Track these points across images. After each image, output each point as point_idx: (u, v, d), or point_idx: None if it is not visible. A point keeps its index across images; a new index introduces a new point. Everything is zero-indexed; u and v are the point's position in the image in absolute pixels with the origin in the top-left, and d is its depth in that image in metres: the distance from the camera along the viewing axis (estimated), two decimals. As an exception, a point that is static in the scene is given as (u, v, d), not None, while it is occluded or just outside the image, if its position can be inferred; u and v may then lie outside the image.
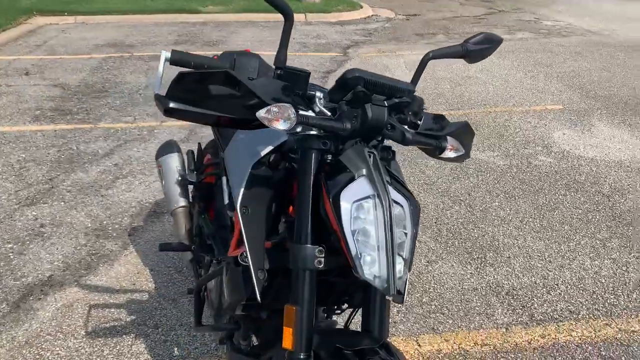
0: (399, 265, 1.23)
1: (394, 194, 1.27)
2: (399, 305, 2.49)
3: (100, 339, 2.32)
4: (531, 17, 10.84)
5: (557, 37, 8.81)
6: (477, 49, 1.61)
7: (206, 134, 4.49)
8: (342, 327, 1.67)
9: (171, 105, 1.17)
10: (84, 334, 2.35)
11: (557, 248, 3.03)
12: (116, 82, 5.88)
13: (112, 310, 2.50)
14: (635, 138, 4.63)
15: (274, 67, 1.38)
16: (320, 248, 1.29)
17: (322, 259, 1.28)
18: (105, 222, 3.19)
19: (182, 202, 2.38)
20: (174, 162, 2.46)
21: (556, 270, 2.84)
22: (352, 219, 1.21)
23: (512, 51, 7.54)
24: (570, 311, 2.54)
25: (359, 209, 1.22)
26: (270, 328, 1.65)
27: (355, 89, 1.27)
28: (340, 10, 10.40)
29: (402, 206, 1.29)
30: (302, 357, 1.28)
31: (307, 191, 1.30)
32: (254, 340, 1.74)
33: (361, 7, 10.79)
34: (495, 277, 2.77)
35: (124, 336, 2.34)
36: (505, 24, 10.02)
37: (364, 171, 1.26)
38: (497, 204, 3.52)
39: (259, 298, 1.34)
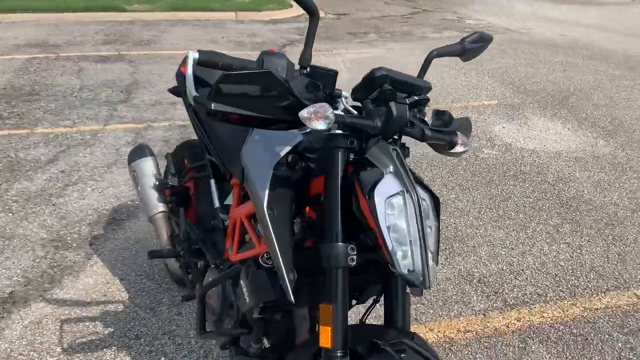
0: (429, 259, 1.26)
1: (418, 189, 1.30)
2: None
3: (79, 355, 2.20)
4: (454, 16, 11.29)
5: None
6: (473, 48, 1.67)
7: (154, 136, 4.36)
8: (361, 322, 1.68)
9: (214, 107, 1.14)
10: (60, 350, 2.22)
11: (517, 235, 3.20)
12: (46, 84, 5.56)
13: (87, 323, 2.38)
14: (567, 130, 4.95)
15: (298, 66, 1.37)
16: (352, 245, 1.29)
17: (355, 256, 1.29)
18: (62, 232, 3.02)
19: (161, 207, 2.31)
20: (148, 167, 2.38)
21: (519, 257, 2.99)
22: (386, 215, 1.24)
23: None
24: (539, 294, 2.69)
25: (389, 205, 1.24)
26: (283, 329, 1.65)
27: (382, 87, 1.29)
28: (272, 9, 10.37)
29: (425, 200, 1.33)
30: (339, 354, 1.29)
31: (336, 190, 1.31)
32: (265, 343, 1.72)
33: (291, 5, 10.81)
34: (465, 266, 2.89)
35: (105, 350, 2.23)
36: (432, 23, 10.38)
37: (391, 168, 1.28)
38: (454, 196, 3.65)
39: (292, 299, 1.33)
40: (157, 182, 2.38)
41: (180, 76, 2.16)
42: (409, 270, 1.23)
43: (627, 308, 2.60)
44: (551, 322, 2.50)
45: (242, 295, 1.54)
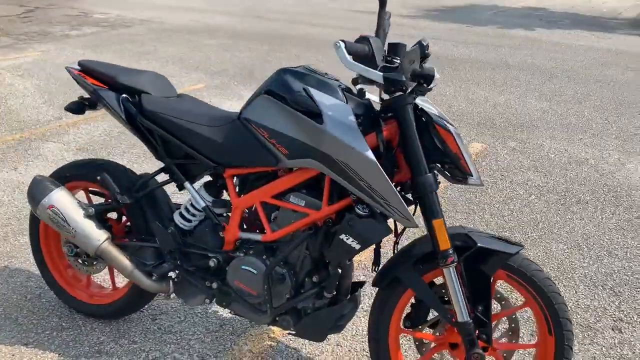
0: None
1: None
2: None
3: None
4: (75, 11, 10.87)
5: (124, 28, 9.32)
6: None
7: None
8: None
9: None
10: None
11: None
12: None
13: None
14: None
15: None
16: (434, 172, 1.77)
17: (439, 182, 1.78)
18: None
19: (104, 234, 2.17)
20: (66, 197, 2.16)
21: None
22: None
23: (113, 44, 7.76)
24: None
25: (457, 134, 1.79)
26: (348, 272, 2.00)
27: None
28: None
29: None
30: (450, 251, 1.77)
31: (414, 135, 1.75)
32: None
33: None
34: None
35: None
36: (58, 20, 9.81)
37: (436, 111, 1.81)
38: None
39: (416, 223, 1.73)
40: (87, 210, 2.17)
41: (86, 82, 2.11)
42: (477, 178, 1.80)
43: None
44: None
45: (340, 248, 1.81)
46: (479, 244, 1.79)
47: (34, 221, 2.44)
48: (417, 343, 2.02)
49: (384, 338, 1.93)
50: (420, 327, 1.98)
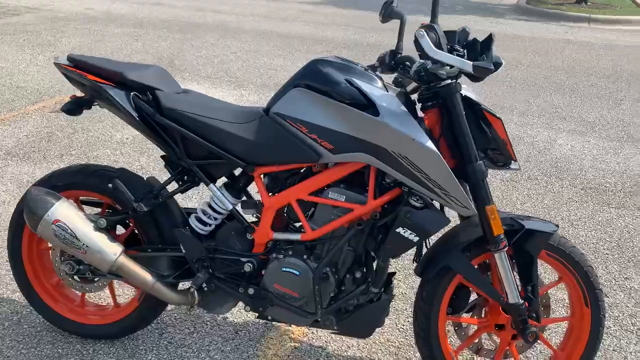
0: None
1: None
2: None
3: None
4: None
5: (12, 16, 8.48)
6: None
7: None
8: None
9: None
10: None
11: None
12: None
13: None
14: (213, 80, 5.60)
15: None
16: (484, 161, 1.80)
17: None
18: None
19: (118, 247, 1.99)
20: (72, 211, 1.95)
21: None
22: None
23: (4, 34, 7.00)
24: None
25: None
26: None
27: None
28: None
29: None
30: (502, 236, 1.81)
31: (465, 123, 1.77)
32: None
33: None
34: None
35: None
36: None
37: (474, 96, 1.84)
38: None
39: (474, 209, 1.74)
40: (97, 222, 1.96)
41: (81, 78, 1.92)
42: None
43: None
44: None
45: (397, 242, 1.78)
46: (526, 227, 1.84)
47: (14, 239, 2.16)
48: (456, 329, 2.05)
49: (434, 328, 1.94)
50: (460, 313, 2.01)
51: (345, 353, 2.26)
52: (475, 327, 2.06)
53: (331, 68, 1.83)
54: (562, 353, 2.01)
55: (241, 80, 5.91)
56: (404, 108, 1.76)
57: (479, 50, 1.69)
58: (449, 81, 1.76)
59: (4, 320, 2.33)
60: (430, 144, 1.70)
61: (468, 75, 1.70)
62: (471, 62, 1.61)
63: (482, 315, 2.02)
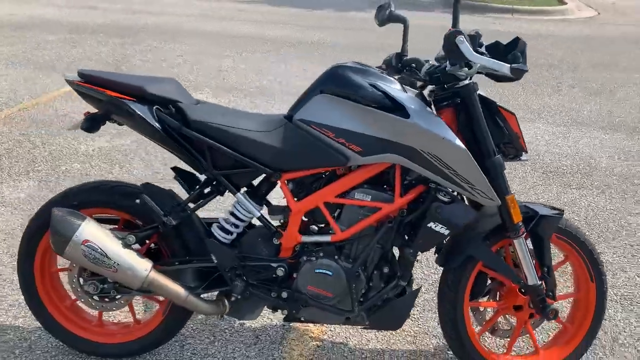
0: None
1: None
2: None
3: None
4: None
5: None
6: None
7: None
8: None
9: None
10: None
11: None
12: None
13: None
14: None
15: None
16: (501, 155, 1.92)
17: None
18: None
19: (148, 263, 1.98)
20: (99, 230, 1.93)
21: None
22: None
23: None
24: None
25: None
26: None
27: None
28: None
29: None
30: (521, 223, 1.95)
31: (483, 120, 1.89)
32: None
33: None
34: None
35: None
36: None
37: (483, 93, 1.97)
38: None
39: (498, 200, 1.87)
40: (126, 239, 1.93)
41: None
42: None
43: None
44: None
45: (428, 236, 1.88)
46: (540, 213, 1.99)
47: (26, 260, 2.08)
48: (474, 313, 2.18)
49: (461, 314, 2.05)
50: (478, 298, 2.14)
51: (366, 347, 2.34)
52: (491, 310, 2.20)
53: (353, 73, 1.90)
54: (571, 326, 2.18)
55: (195, 84, 5.83)
56: (429, 109, 1.86)
57: (502, 52, 1.80)
58: (467, 81, 1.87)
59: (13, 348, 2.24)
60: (459, 142, 1.81)
61: (493, 76, 1.82)
62: (509, 65, 1.72)
63: (499, 299, 2.16)
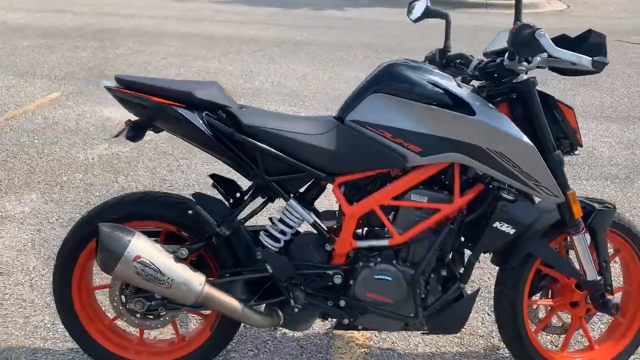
0: None
1: None
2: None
3: None
4: None
5: None
6: None
7: None
8: None
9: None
10: None
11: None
12: None
13: None
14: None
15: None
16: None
17: None
18: None
19: (202, 277, 1.88)
20: (150, 244, 1.83)
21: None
22: None
23: None
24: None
25: None
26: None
27: None
28: None
29: None
30: (580, 219, 1.92)
31: (543, 115, 1.85)
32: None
33: None
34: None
35: None
36: None
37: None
38: (189, 176, 3.73)
39: (563, 196, 1.84)
40: (178, 252, 1.84)
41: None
42: None
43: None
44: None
45: (494, 236, 1.84)
46: (597, 208, 1.96)
47: (63, 289, 1.96)
48: (528, 312, 2.14)
49: (520, 312, 2.01)
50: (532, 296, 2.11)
51: (414, 351, 2.28)
52: (543, 308, 2.17)
53: (410, 70, 1.84)
54: (624, 319, 2.17)
55: (186, 87, 5.68)
56: (491, 105, 1.81)
57: (571, 45, 1.76)
58: (526, 77, 1.83)
59: (47, 373, 2.11)
60: (526, 138, 1.77)
61: (557, 69, 1.78)
62: (590, 58, 1.68)
63: (552, 295, 2.13)
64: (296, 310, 1.95)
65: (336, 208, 1.98)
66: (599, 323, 2.45)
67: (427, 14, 2.11)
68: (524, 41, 1.68)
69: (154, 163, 3.90)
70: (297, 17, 10.06)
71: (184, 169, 3.84)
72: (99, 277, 2.26)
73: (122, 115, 4.75)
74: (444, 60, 2.07)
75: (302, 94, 5.57)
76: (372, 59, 7.13)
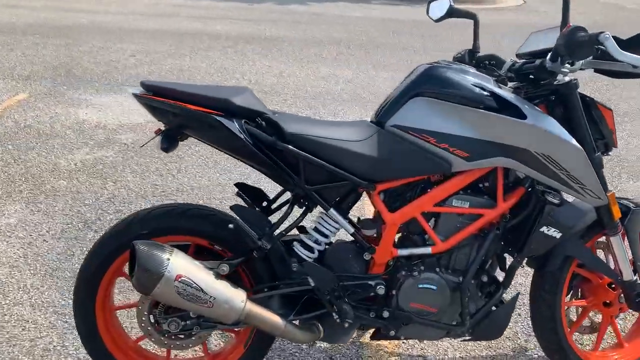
0: None
1: None
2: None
3: None
4: None
5: None
6: None
7: None
8: None
9: None
10: None
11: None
12: None
13: None
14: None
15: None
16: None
17: None
18: None
19: (243, 293, 1.79)
20: (189, 262, 1.72)
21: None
22: None
23: None
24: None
25: None
26: None
27: None
28: None
29: None
30: (619, 221, 1.92)
31: (584, 117, 1.83)
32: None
33: None
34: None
35: None
36: None
37: None
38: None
39: (607, 199, 1.83)
40: (218, 268, 1.73)
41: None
42: None
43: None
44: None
45: (541, 241, 1.81)
46: (633, 208, 1.97)
47: (86, 304, 1.82)
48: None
49: (559, 315, 2.00)
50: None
51: (444, 357, 2.25)
52: (574, 308, 2.17)
53: (452, 73, 1.78)
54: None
55: (161, 86, 5.48)
56: (538, 108, 1.78)
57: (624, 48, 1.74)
58: (568, 79, 1.81)
59: (66, 401, 1.96)
60: (575, 142, 1.75)
61: (606, 72, 1.77)
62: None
63: (583, 296, 2.13)
64: (337, 323, 1.88)
65: (367, 215, 1.91)
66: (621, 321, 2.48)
67: (451, 13, 2.06)
68: (578, 44, 1.65)
69: (141, 167, 3.73)
70: (261, 12, 9.91)
71: (174, 173, 3.68)
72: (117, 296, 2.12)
73: (99, 117, 4.57)
74: (474, 61, 2.03)
75: (282, 92, 5.47)
76: (345, 55, 7.09)
